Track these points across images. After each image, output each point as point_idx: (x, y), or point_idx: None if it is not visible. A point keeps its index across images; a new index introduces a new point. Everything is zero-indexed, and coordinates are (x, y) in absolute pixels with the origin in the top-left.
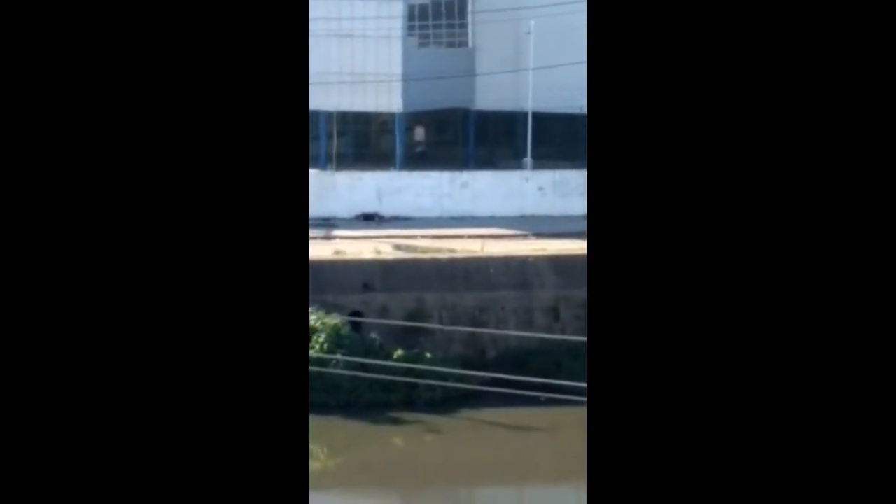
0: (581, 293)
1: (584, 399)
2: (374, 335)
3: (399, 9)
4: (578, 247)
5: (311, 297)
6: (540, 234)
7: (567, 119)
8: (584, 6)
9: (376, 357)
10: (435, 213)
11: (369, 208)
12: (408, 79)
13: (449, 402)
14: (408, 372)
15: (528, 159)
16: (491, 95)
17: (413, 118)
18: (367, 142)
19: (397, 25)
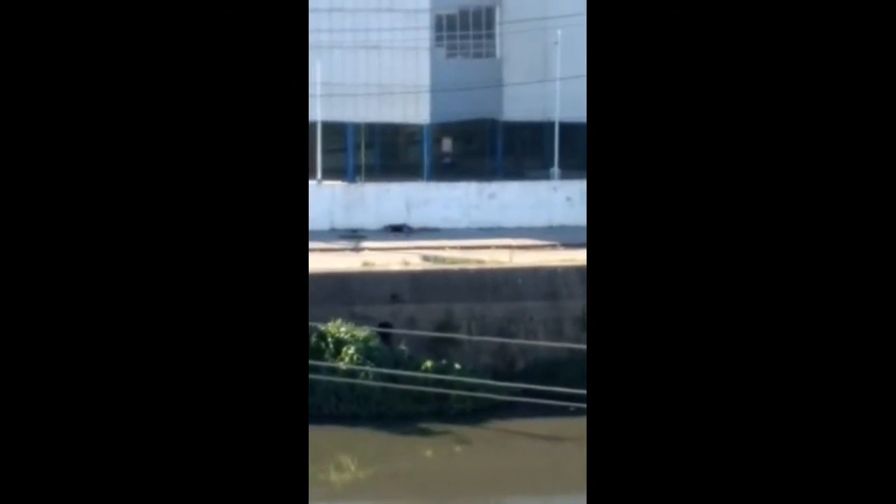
0: None
1: None
2: (403, 346)
3: (426, 20)
4: None
5: (340, 308)
6: (568, 245)
7: None
8: None
9: (406, 368)
10: (463, 224)
11: (397, 220)
12: (435, 90)
13: (479, 412)
14: (437, 383)
15: (556, 169)
16: (519, 106)
17: (441, 129)
18: (394, 153)
19: (425, 36)
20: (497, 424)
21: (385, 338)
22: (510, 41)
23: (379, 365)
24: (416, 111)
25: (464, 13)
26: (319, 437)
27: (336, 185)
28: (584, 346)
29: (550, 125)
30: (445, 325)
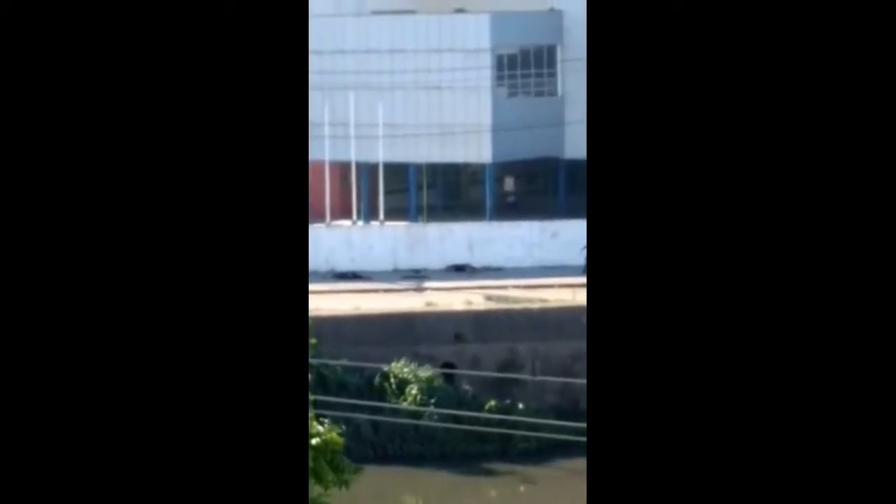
0: None
1: None
2: (466, 386)
3: (487, 59)
4: None
5: (404, 348)
6: None
7: None
8: None
9: (469, 408)
10: (526, 263)
11: (460, 259)
12: (497, 129)
13: (543, 452)
14: (501, 423)
15: None
16: (581, 144)
17: (503, 168)
18: (457, 193)
19: (486, 76)
20: (561, 464)
21: (448, 378)
22: (572, 79)
23: (442, 405)
24: (478, 151)
25: (525, 52)
26: (384, 477)
27: (399, 226)
28: None
29: None
30: (509, 365)
